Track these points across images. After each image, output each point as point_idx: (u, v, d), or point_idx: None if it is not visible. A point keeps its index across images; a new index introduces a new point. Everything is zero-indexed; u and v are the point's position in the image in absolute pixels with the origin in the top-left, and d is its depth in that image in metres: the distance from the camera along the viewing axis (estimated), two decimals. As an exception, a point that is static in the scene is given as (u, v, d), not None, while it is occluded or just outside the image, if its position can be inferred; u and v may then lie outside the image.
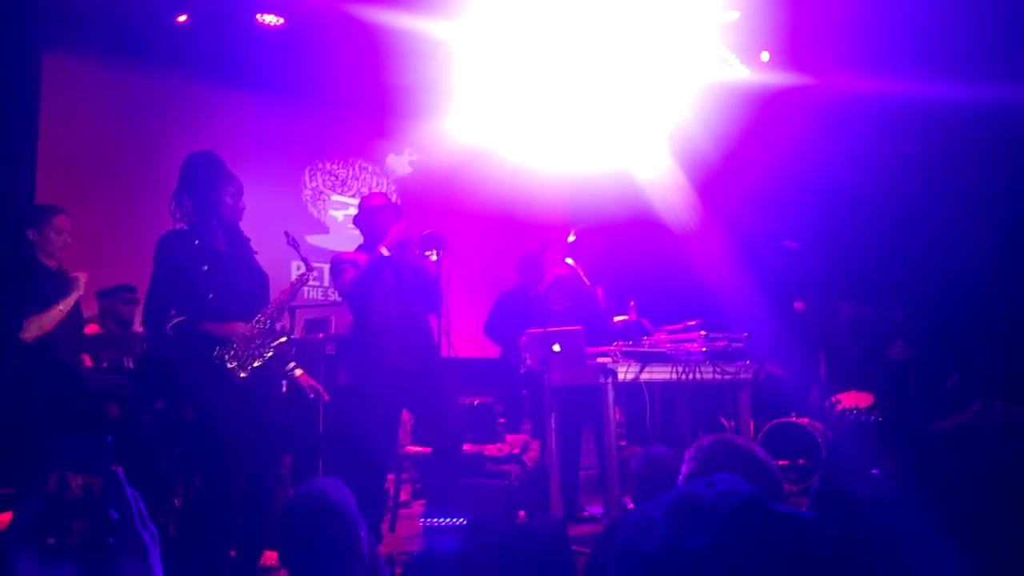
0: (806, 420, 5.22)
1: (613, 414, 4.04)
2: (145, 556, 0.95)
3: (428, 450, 4.21)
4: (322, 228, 7.09)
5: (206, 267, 3.20)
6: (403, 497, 4.76)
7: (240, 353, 3.18)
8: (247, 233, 3.42)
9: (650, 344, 4.24)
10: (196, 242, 3.23)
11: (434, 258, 3.87)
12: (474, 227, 7.09)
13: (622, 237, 6.16)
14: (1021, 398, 4.57)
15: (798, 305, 5.35)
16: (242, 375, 3.17)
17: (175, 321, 3.17)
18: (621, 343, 4.15)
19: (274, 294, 3.43)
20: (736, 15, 5.69)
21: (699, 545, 0.75)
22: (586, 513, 4.60)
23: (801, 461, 5.01)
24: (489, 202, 7.07)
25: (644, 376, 4.10)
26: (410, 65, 5.86)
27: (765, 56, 6.13)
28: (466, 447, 4.29)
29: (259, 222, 3.62)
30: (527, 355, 4.57)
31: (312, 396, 3.49)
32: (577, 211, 7.64)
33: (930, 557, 1.42)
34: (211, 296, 3.18)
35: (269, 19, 5.97)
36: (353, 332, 4.05)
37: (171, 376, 3.74)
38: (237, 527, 3.20)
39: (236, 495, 3.13)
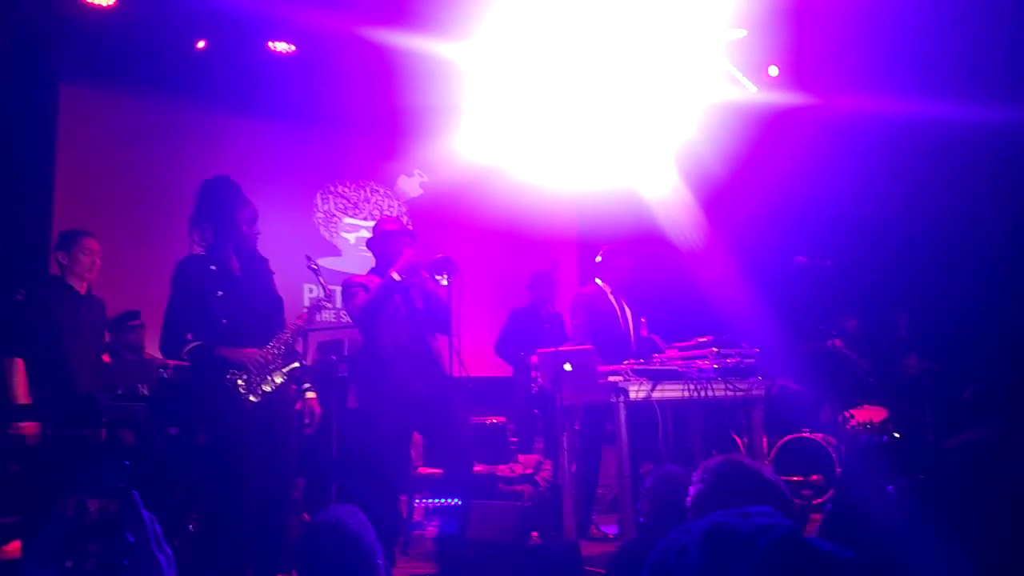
0: (820, 435, 5.19)
1: (626, 433, 4.02)
2: None
3: (440, 472, 4.22)
4: (334, 251, 7.15)
5: (220, 293, 3.24)
6: (416, 519, 4.75)
7: (252, 378, 3.21)
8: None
9: (661, 362, 4.22)
10: (212, 267, 3.28)
11: (444, 283, 3.89)
12: (483, 245, 7.12)
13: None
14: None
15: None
16: (252, 399, 3.20)
17: (191, 346, 3.21)
18: (632, 361, 4.15)
19: (288, 317, 3.46)
20: (743, 33, 5.73)
21: None
22: (600, 532, 4.58)
23: (815, 477, 4.98)
24: (498, 221, 7.11)
25: (656, 394, 4.08)
26: (419, 86, 5.92)
27: (774, 70, 6.16)
28: (478, 468, 4.29)
29: (272, 245, 3.66)
30: (538, 374, 4.57)
31: (307, 422, 3.48)
32: (585, 229, 7.67)
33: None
34: (225, 322, 3.22)
35: (280, 46, 6.07)
36: (363, 355, 4.07)
37: (185, 401, 3.79)
38: (250, 551, 3.21)
39: (249, 519, 3.15)
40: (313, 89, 6.41)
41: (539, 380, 4.58)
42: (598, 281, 4.96)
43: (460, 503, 3.82)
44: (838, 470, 4.68)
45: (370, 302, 3.82)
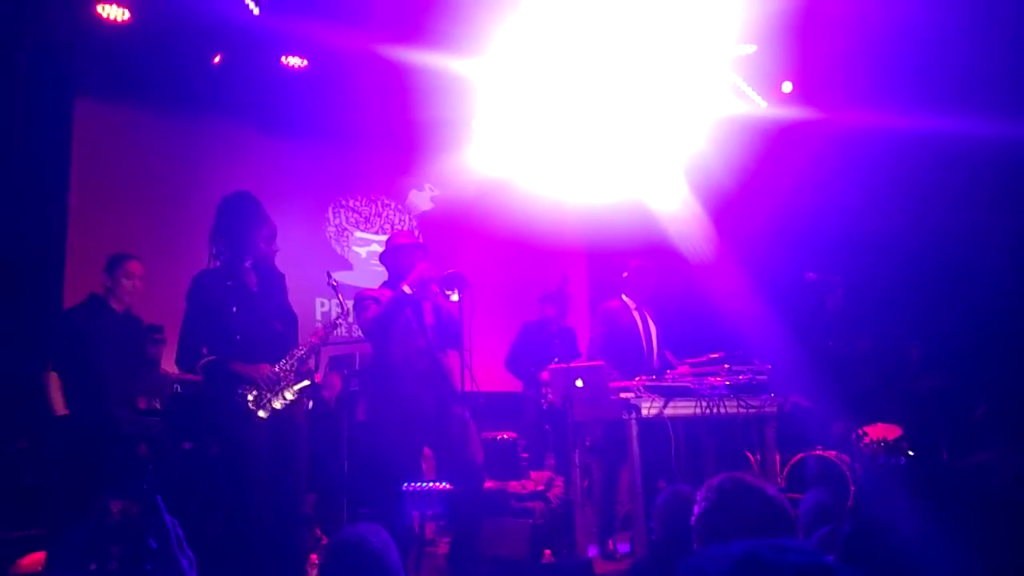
0: (833, 453, 5.15)
1: (638, 450, 4.01)
2: None
3: (449, 487, 4.20)
4: (346, 264, 7.17)
5: (235, 308, 3.26)
6: (428, 535, 4.74)
7: (262, 393, 3.22)
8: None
9: (673, 378, 4.21)
10: (228, 283, 3.29)
11: (455, 298, 3.89)
12: (494, 259, 7.13)
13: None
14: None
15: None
16: (261, 414, 3.21)
17: (205, 360, 3.23)
18: (644, 378, 4.13)
19: (301, 333, 3.48)
20: (753, 48, 5.75)
21: None
22: (612, 549, 4.56)
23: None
24: (509, 234, 7.13)
25: (668, 411, 4.07)
26: (430, 101, 5.96)
27: (787, 86, 6.18)
28: (489, 484, 4.27)
29: (283, 258, 3.68)
30: (549, 390, 4.56)
31: (326, 395, 3.50)
32: (596, 242, 7.67)
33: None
34: (239, 337, 3.24)
35: (293, 61, 6.12)
36: (373, 367, 4.08)
37: (198, 415, 3.80)
38: (262, 565, 3.21)
39: (260, 533, 3.15)
40: (325, 104, 6.46)
41: (550, 396, 4.57)
42: (624, 297, 4.95)
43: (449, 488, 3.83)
44: (852, 488, 4.64)
45: (381, 315, 3.83)
